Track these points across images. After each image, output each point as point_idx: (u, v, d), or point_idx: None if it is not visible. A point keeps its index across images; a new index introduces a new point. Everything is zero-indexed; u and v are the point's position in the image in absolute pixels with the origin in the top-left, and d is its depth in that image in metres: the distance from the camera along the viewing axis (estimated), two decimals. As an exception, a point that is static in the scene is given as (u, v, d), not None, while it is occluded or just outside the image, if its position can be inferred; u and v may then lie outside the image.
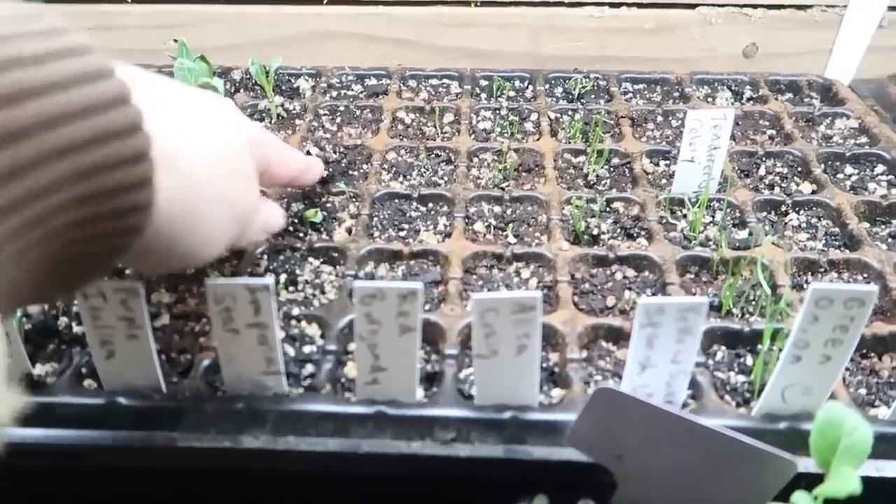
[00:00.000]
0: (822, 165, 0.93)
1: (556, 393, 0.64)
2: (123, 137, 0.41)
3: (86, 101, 0.39)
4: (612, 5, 1.14)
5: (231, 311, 0.58)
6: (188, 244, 0.52)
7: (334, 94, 1.11)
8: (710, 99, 1.11)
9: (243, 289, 0.56)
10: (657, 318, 0.56)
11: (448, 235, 0.82)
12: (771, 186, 0.91)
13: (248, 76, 1.13)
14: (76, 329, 0.69)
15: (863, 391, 0.65)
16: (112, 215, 0.42)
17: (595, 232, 0.81)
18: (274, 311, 0.57)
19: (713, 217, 0.85)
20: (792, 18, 1.14)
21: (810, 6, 1.13)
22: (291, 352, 0.67)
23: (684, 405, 0.62)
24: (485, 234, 0.83)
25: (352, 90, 1.13)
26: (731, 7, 1.14)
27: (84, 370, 0.64)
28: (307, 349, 0.68)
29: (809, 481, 0.49)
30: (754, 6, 1.13)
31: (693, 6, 1.14)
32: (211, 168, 0.53)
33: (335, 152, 0.94)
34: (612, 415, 0.54)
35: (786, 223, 0.85)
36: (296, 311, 0.71)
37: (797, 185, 0.91)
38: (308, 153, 0.93)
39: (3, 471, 0.61)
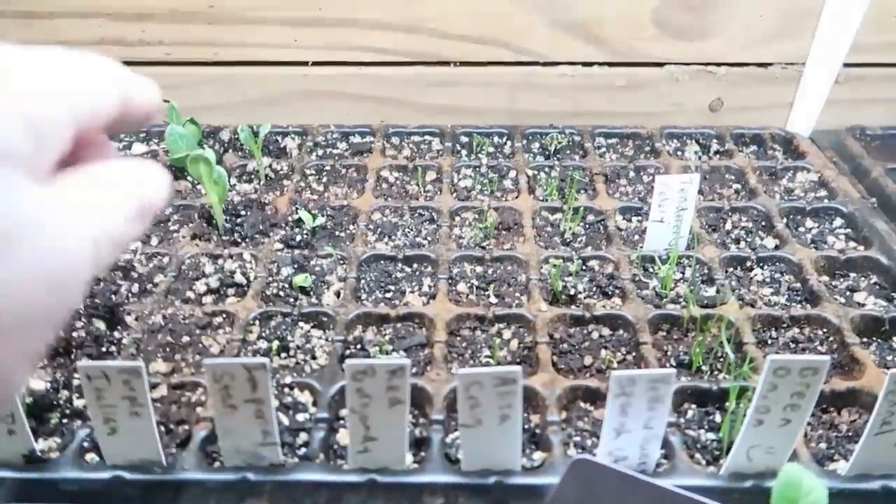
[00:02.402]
0: (785, 220, 0.99)
1: (538, 455, 0.67)
2: None
3: None
4: (584, 64, 1.20)
5: (229, 389, 0.61)
6: None
7: (320, 152, 1.15)
8: (679, 153, 1.17)
9: (241, 367, 0.60)
10: (629, 389, 0.60)
11: (433, 297, 0.86)
12: (737, 241, 0.96)
13: (236, 136, 1.17)
14: (77, 403, 0.71)
15: (823, 445, 0.69)
16: None
17: (572, 291, 0.86)
18: (270, 387, 0.61)
19: (683, 273, 0.90)
20: (754, 75, 1.21)
21: (771, 64, 1.20)
22: (285, 420, 0.70)
23: (657, 465, 0.66)
24: (467, 295, 0.87)
25: (337, 148, 1.17)
26: (696, 65, 1.20)
27: (86, 444, 0.67)
28: (300, 417, 0.71)
29: (771, 543, 0.53)
30: (718, 64, 1.20)
31: (661, 64, 1.20)
32: None
33: (322, 214, 0.98)
34: (588, 483, 0.57)
35: (751, 278, 0.90)
36: (288, 379, 0.74)
37: (761, 239, 0.96)
38: (300, 219, 0.96)
39: (9, 547, 0.63)
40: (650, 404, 0.61)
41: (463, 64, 1.20)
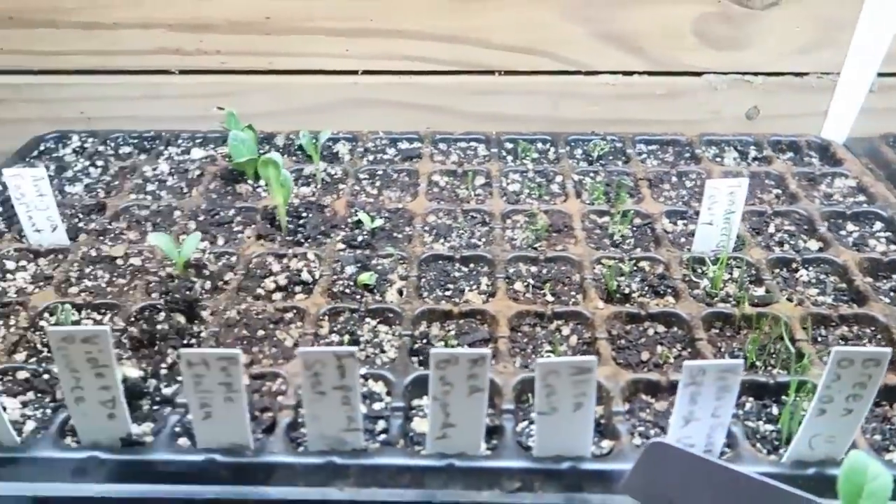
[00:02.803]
0: (826, 223, 1.02)
1: (606, 444, 0.71)
2: None
3: None
4: (625, 73, 1.24)
5: (319, 376, 0.65)
6: None
7: (371, 157, 1.20)
8: (718, 159, 1.20)
9: (332, 356, 0.64)
10: (699, 378, 0.63)
11: (492, 295, 0.89)
12: (781, 244, 1.00)
13: (289, 141, 1.22)
14: (165, 391, 0.75)
15: (878, 437, 0.72)
16: None
17: (626, 290, 0.89)
18: (357, 375, 0.64)
19: (731, 274, 0.93)
20: (790, 84, 1.24)
21: (807, 73, 1.23)
22: (363, 409, 0.74)
23: (722, 454, 0.69)
24: (524, 293, 0.91)
25: (386, 154, 1.21)
26: (734, 74, 1.24)
27: (177, 429, 0.71)
28: (377, 406, 0.74)
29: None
30: (755, 73, 1.23)
31: (700, 74, 1.24)
32: None
33: (380, 216, 1.02)
34: (662, 465, 0.61)
35: (797, 279, 0.93)
36: (363, 371, 0.78)
37: (804, 241, 0.99)
38: (359, 221, 1.00)
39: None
40: (718, 394, 0.64)
41: (507, 73, 1.25)
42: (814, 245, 0.99)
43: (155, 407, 0.74)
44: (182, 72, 1.26)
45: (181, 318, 0.84)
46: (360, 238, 0.98)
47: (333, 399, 0.66)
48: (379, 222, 1.01)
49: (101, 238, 1.00)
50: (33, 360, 0.80)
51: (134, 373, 0.75)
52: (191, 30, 1.21)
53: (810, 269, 0.95)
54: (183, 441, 0.70)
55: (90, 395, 0.66)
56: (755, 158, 1.21)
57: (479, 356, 0.63)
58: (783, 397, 0.75)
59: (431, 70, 1.24)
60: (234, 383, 0.65)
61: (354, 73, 1.24)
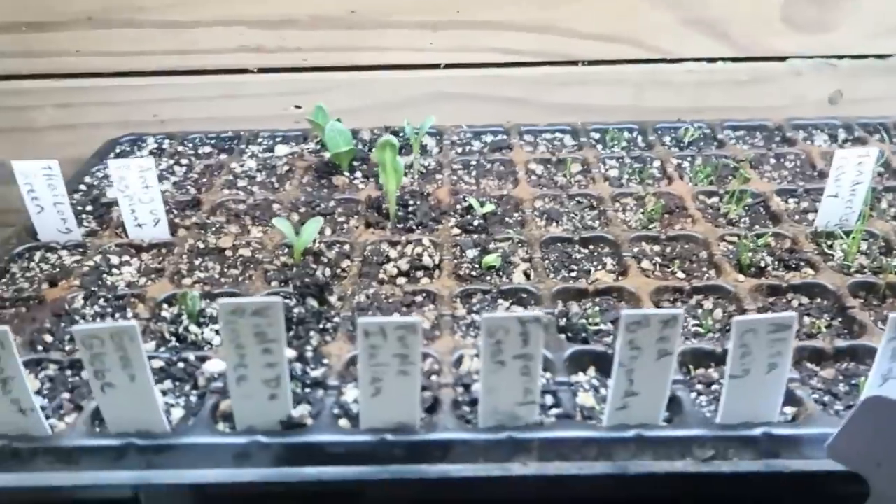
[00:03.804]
0: (941, 197, 1.01)
1: (788, 410, 0.68)
2: None
3: None
4: (709, 60, 1.23)
5: (501, 344, 0.61)
6: None
7: (459, 150, 1.18)
8: (808, 142, 1.19)
9: (516, 321, 0.61)
10: (902, 332, 0.61)
11: (622, 274, 0.87)
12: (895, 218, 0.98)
13: (375, 136, 1.19)
14: (313, 373, 0.72)
15: None
16: None
17: (762, 264, 0.87)
18: (541, 343, 0.61)
19: (858, 247, 0.91)
20: (873, 67, 1.24)
21: (890, 55, 1.23)
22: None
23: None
24: (653, 271, 0.88)
25: (472, 146, 1.19)
26: (818, 58, 1.23)
27: (336, 411, 0.67)
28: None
29: None
30: (839, 57, 1.23)
31: (784, 59, 1.23)
32: None
33: (490, 202, 1.00)
34: (876, 423, 0.58)
35: (925, 250, 0.91)
36: (513, 348, 0.74)
37: (923, 215, 0.98)
38: (469, 206, 0.98)
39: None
40: (920, 348, 0.61)
41: (591, 63, 1.24)
42: (933, 217, 0.97)
43: (307, 389, 0.70)
44: (261, 70, 1.24)
45: (314, 303, 0.81)
46: (475, 222, 0.96)
47: (513, 369, 0.63)
48: (489, 207, 0.98)
49: (203, 232, 0.97)
50: (163, 349, 0.76)
51: (290, 353, 0.71)
52: (272, 26, 1.19)
53: (937, 240, 0.93)
54: (343, 422, 0.66)
55: (254, 374, 0.63)
56: (846, 140, 1.20)
57: (671, 317, 0.60)
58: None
59: (515, 62, 1.23)
60: (410, 355, 0.62)
61: (437, 66, 1.23)
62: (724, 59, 1.23)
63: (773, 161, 1.12)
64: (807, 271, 0.86)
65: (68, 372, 0.74)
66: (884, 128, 1.23)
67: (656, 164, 1.12)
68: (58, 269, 0.90)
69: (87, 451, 0.63)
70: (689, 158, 1.13)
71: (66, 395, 0.70)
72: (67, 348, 0.77)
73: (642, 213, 0.99)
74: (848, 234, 0.91)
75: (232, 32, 1.20)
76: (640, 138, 1.21)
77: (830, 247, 0.91)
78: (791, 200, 1.02)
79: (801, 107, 1.27)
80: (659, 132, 1.22)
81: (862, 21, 1.20)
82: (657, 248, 0.93)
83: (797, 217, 0.98)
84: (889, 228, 0.93)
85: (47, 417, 0.66)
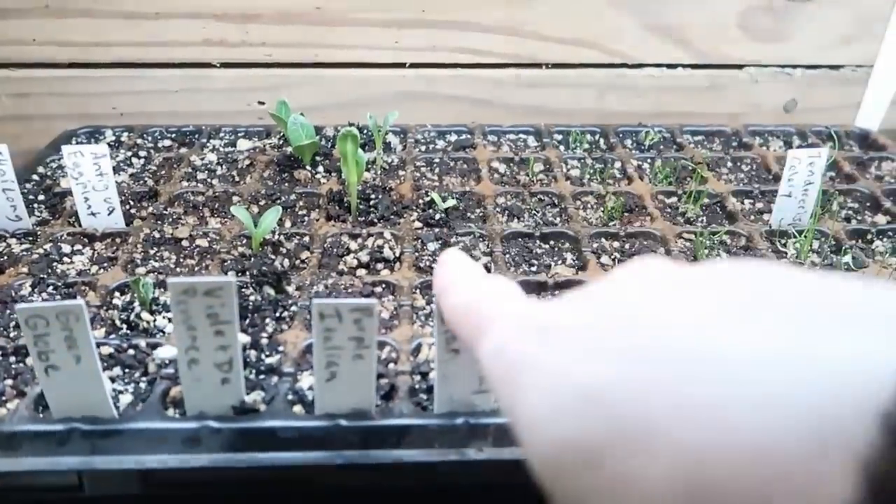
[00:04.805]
0: (889, 200, 1.04)
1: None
2: None
3: None
4: (669, 66, 1.26)
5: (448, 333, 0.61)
6: None
7: (423, 148, 1.18)
8: (764, 147, 1.22)
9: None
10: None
11: (582, 268, 0.87)
12: (847, 219, 1.01)
13: (339, 133, 1.19)
14: (268, 361, 0.70)
15: None
16: None
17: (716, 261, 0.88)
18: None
19: (810, 246, 0.94)
20: (826, 76, 1.28)
21: (842, 66, 1.27)
22: (483, 373, 0.70)
23: None
24: (612, 266, 0.89)
25: (437, 145, 1.20)
26: (774, 67, 1.27)
27: (290, 397, 0.66)
28: (495, 370, 0.71)
29: None
30: (794, 66, 1.27)
31: (741, 67, 1.26)
32: None
33: (452, 197, 1.00)
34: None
35: (873, 249, 0.94)
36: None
37: (871, 216, 1.01)
38: (431, 201, 0.98)
39: (233, 495, 0.62)
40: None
41: (555, 66, 1.25)
42: (881, 219, 1.00)
43: (261, 376, 0.69)
44: (224, 65, 1.23)
45: (271, 291, 0.80)
46: (437, 216, 0.96)
47: (467, 358, 0.62)
48: (451, 202, 0.98)
49: (159, 222, 0.95)
50: (113, 336, 0.74)
51: (244, 338, 0.70)
52: (238, 20, 1.18)
53: (884, 239, 0.96)
54: (298, 409, 0.65)
55: (206, 357, 0.61)
56: (800, 146, 1.23)
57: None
58: None
59: (480, 63, 1.24)
60: (366, 338, 0.61)
61: (402, 65, 1.23)
62: (684, 66, 1.26)
63: (729, 164, 1.15)
64: (760, 267, 0.88)
65: (12, 358, 0.71)
66: (836, 135, 1.26)
67: (617, 165, 1.13)
68: (5, 257, 0.88)
69: (29, 437, 0.61)
70: (649, 160, 1.15)
71: (9, 382, 0.68)
72: (12, 335, 0.74)
73: (602, 211, 1.00)
74: (801, 233, 0.93)
75: (196, 25, 1.18)
76: (601, 140, 1.22)
77: (784, 245, 0.94)
78: (747, 201, 1.04)
79: (758, 115, 1.30)
80: (620, 135, 1.24)
81: (816, 32, 1.24)
82: (616, 244, 0.94)
83: (752, 217, 1.00)
84: (839, 228, 0.95)
85: (-12, 403, 0.64)
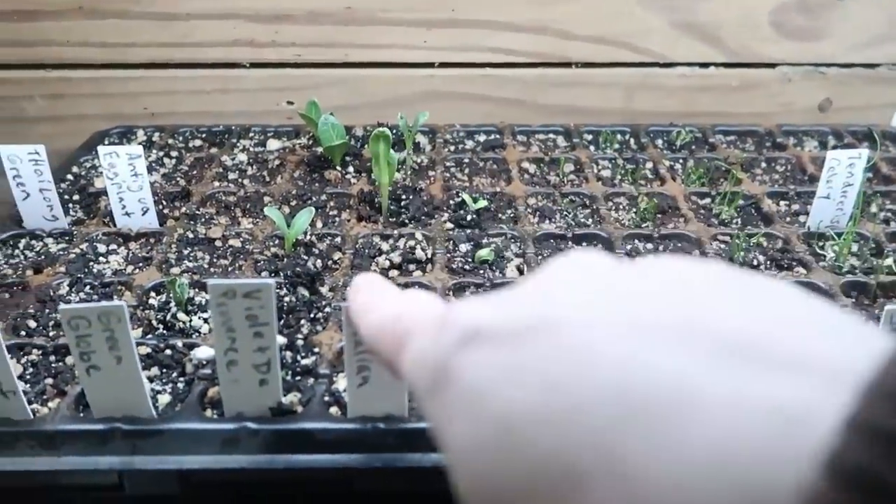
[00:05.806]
0: (929, 202, 1.02)
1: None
2: None
3: None
4: (701, 65, 1.24)
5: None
6: None
7: (452, 148, 1.17)
8: (799, 148, 1.20)
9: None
10: (896, 324, 0.61)
11: (615, 270, 0.86)
12: (886, 221, 0.99)
13: (368, 133, 1.19)
14: (303, 362, 0.71)
15: None
16: None
17: (754, 263, 0.87)
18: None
19: (849, 247, 0.92)
20: (861, 76, 1.25)
21: (878, 65, 1.25)
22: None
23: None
24: (646, 269, 0.88)
25: (466, 145, 1.19)
26: (807, 66, 1.25)
27: (327, 398, 0.66)
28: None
29: None
30: (829, 65, 1.25)
31: (774, 65, 1.25)
32: None
33: (483, 198, 0.99)
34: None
35: (914, 252, 0.92)
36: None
37: (911, 219, 0.99)
38: (462, 202, 0.97)
39: (271, 496, 0.62)
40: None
41: (585, 65, 1.24)
42: (922, 221, 0.98)
43: (297, 377, 0.69)
44: (253, 65, 1.23)
45: (305, 292, 0.80)
46: (468, 218, 0.95)
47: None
48: (482, 203, 0.98)
49: (192, 222, 0.96)
50: (150, 336, 0.75)
51: (280, 340, 0.70)
52: (268, 21, 1.19)
53: (926, 243, 0.94)
54: (334, 410, 0.65)
55: (244, 358, 0.61)
56: (835, 146, 1.21)
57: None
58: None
59: (509, 62, 1.23)
60: (403, 340, 0.61)
61: (431, 65, 1.23)
62: (716, 65, 1.24)
63: (763, 165, 1.13)
64: (799, 270, 0.86)
65: (52, 357, 0.72)
66: (872, 136, 1.24)
67: (649, 165, 1.12)
68: (43, 257, 0.89)
69: (71, 436, 0.62)
70: (681, 161, 1.13)
71: (50, 381, 0.69)
72: (52, 334, 0.75)
73: (635, 212, 0.99)
74: (839, 235, 0.91)
75: (226, 26, 1.19)
76: (632, 140, 1.21)
77: (822, 247, 0.92)
78: (782, 203, 1.03)
79: (791, 114, 1.28)
80: (651, 135, 1.22)
81: (850, 31, 1.21)
82: (650, 245, 0.93)
83: (788, 219, 0.99)
84: (879, 231, 0.93)
85: (29, 402, 0.64)
